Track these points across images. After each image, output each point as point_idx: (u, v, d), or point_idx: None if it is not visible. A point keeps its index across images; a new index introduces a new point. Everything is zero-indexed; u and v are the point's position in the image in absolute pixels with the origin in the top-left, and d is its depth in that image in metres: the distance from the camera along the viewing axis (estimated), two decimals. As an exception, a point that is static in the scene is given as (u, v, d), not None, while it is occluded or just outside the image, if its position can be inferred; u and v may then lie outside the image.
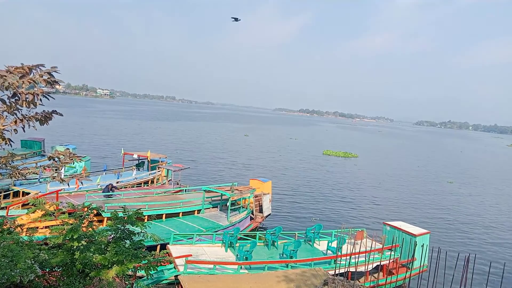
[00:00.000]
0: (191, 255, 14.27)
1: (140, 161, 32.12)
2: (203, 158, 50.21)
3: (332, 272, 14.48)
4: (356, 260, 14.49)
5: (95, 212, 16.65)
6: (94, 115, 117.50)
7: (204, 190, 22.56)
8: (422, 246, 16.89)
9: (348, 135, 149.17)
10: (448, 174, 58.97)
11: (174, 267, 14.15)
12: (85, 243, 9.28)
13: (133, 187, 26.83)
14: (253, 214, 23.40)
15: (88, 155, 32.41)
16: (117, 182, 26.21)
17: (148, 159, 30.35)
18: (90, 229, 10.21)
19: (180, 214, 20.99)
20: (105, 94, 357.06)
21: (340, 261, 14.54)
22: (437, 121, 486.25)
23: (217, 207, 22.98)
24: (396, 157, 79.72)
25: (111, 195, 21.76)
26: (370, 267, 15.62)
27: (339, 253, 15.62)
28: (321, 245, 18.28)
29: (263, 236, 17.96)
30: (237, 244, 16.74)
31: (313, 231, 18.72)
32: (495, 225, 30.70)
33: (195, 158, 49.13)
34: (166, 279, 13.85)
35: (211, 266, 13.92)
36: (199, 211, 21.89)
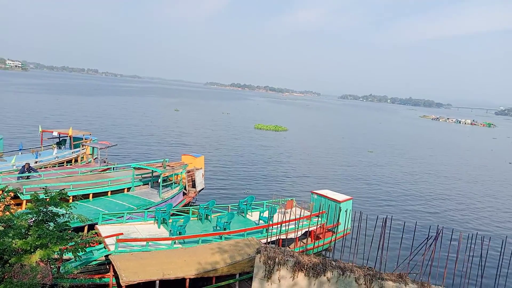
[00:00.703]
0: (122, 234, 13.90)
1: (61, 139, 29.94)
2: (131, 135, 48.27)
3: (264, 241, 15.07)
4: (287, 228, 15.20)
5: (12, 194, 15.39)
6: (5, 89, 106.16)
7: (134, 168, 21.84)
8: (346, 211, 18.19)
9: (279, 109, 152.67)
10: (369, 144, 63.38)
11: (104, 247, 13.69)
12: (2, 228, 8.60)
13: (54, 166, 25.07)
14: (186, 190, 23.27)
15: (0, 134, 29.46)
16: (36, 162, 24.28)
17: (70, 136, 28.39)
18: (7, 213, 9.46)
19: (109, 193, 20.17)
20: (16, 66, 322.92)
21: (272, 229, 15.16)
22: (359, 95, 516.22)
23: (148, 184, 22.45)
24: (322, 129, 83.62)
25: (29, 176, 20.16)
26: (299, 233, 16.51)
27: (270, 222, 16.24)
28: (254, 216, 18.83)
29: (197, 210, 18.02)
30: (170, 220, 16.61)
31: (245, 203, 19.17)
32: (410, 189, 33.92)
33: (123, 135, 47.05)
34: (95, 260, 13.39)
35: (144, 243, 13.71)
36: (129, 189, 21.20)
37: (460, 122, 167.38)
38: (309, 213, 17.99)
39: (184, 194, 22.94)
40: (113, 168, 24.89)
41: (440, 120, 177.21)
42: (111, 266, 11.97)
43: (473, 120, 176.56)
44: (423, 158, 53.42)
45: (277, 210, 18.61)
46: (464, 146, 75.38)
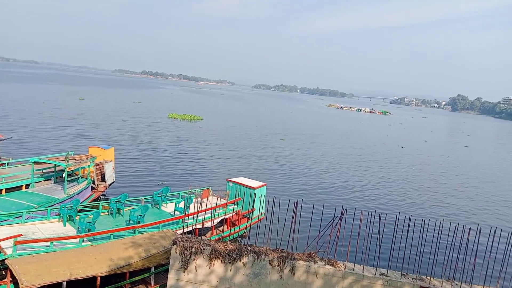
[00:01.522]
0: (21, 235, 12.64)
1: None
2: (29, 127, 43.69)
3: (180, 232, 14.92)
4: (203, 217, 15.23)
5: None
6: None
7: (33, 162, 19.88)
8: (260, 197, 18.82)
9: (193, 98, 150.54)
10: (281, 132, 65.94)
11: (-1, 251, 12.33)
12: None
13: None
14: (94, 184, 21.90)
15: None
16: None
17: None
18: None
19: (3, 191, 18.13)
20: None
21: (188, 220, 15.06)
22: (272, 85, 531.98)
23: (50, 179, 20.64)
24: (237, 118, 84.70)
25: None
26: (216, 221, 16.66)
27: (186, 212, 16.11)
28: (169, 207, 18.50)
29: (107, 205, 17.11)
30: (78, 217, 15.54)
31: (160, 195, 18.73)
32: (319, 174, 36.18)
33: (19, 127, 42.37)
34: (-11, 267, 12.01)
35: (47, 243, 12.64)
36: (28, 185, 19.28)
37: (360, 111, 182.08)
38: (225, 201, 18.24)
39: (92, 188, 21.59)
40: (8, 163, 22.36)
41: (344, 108, 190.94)
42: (8, 272, 10.85)
43: (372, 109, 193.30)
44: (331, 145, 57.27)
45: (193, 200, 18.52)
46: (365, 132, 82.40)
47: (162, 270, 12.53)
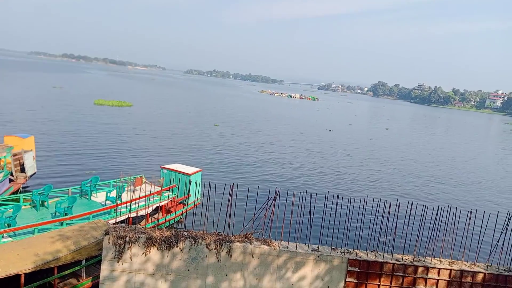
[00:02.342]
0: None
1: None
2: None
3: (113, 221, 14.39)
4: (137, 205, 14.81)
5: None
6: None
7: None
8: (196, 183, 18.73)
9: (122, 83, 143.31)
10: (215, 118, 65.66)
11: None
12: None
13: None
14: (12, 176, 20.15)
15: None
16: None
17: None
18: None
19: None
20: None
21: (121, 209, 14.56)
22: (204, 70, 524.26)
23: (-41, 173, 18.59)
24: (169, 104, 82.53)
25: None
26: (150, 209, 16.30)
27: (119, 201, 15.54)
28: (99, 197, 17.68)
29: (29, 197, 15.88)
30: (-5, 212, 14.24)
31: (89, 184, 17.80)
32: (253, 158, 36.77)
33: None
34: None
35: (-40, 243, 11.47)
36: None
37: (291, 96, 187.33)
38: (159, 188, 17.88)
39: (11, 180, 19.86)
40: None
41: (275, 94, 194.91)
42: None
43: (301, 94, 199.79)
44: (264, 129, 58.35)
45: (126, 189, 17.88)
46: (295, 117, 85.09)
47: (94, 262, 12.03)
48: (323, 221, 11.12)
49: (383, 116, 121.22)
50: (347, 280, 10.42)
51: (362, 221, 10.86)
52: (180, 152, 35.88)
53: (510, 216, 10.43)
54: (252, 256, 10.30)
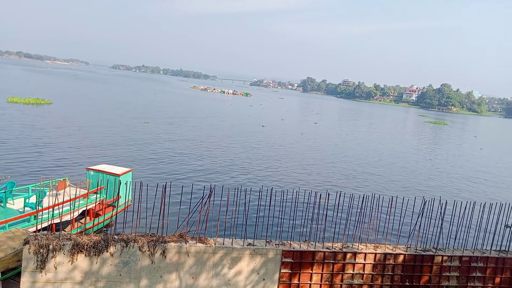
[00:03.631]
0: None
1: None
2: None
3: (33, 229, 13.27)
4: (60, 210, 13.79)
5: None
6: None
7: None
8: (126, 183, 17.95)
9: (39, 79, 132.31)
10: (145, 115, 63.45)
11: None
12: None
13: None
14: None
15: None
16: None
17: None
18: None
19: None
20: None
21: (42, 215, 13.46)
22: (132, 65, 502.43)
23: None
24: (94, 101, 78.03)
25: None
26: (76, 214, 15.32)
27: (39, 207, 14.37)
28: (17, 203, 16.20)
29: None
30: None
31: (4, 190, 16.22)
32: (187, 156, 36.15)
33: None
34: None
35: None
36: None
37: (224, 92, 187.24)
38: (86, 191, 16.85)
39: None
40: None
41: (208, 90, 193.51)
42: None
43: (234, 90, 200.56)
44: (198, 126, 57.64)
45: (47, 193, 16.59)
46: (229, 113, 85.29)
47: (12, 275, 11.02)
48: (257, 215, 11.28)
49: (313, 111, 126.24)
50: (281, 271, 10.71)
51: (295, 212, 11.22)
52: (108, 152, 34.14)
53: (425, 201, 11.45)
54: (188, 255, 10.14)
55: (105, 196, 17.55)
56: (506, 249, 11.78)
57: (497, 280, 11.51)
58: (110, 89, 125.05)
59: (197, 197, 11.88)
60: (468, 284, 11.42)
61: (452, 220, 11.45)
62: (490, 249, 11.77)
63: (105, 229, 17.51)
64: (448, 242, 11.65)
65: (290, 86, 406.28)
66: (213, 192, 10.81)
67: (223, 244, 10.52)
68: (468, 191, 34.03)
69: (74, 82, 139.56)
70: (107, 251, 9.62)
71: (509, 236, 11.66)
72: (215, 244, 10.42)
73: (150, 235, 10.38)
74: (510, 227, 11.55)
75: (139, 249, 9.84)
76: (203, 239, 10.60)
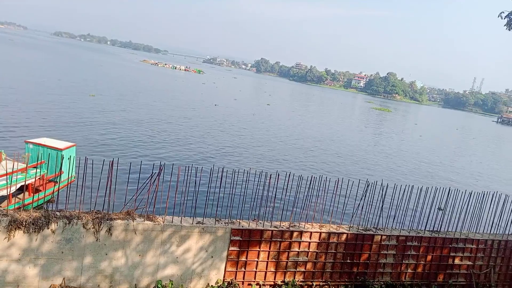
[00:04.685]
0: None
1: None
2: None
3: (-37, 205, 12.31)
4: (-5, 185, 12.90)
5: None
6: None
7: None
8: (69, 158, 17.06)
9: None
10: (90, 87, 60.27)
11: None
12: None
13: None
14: None
15: None
16: None
17: None
18: None
19: None
20: None
21: (-26, 190, 12.52)
22: (76, 33, 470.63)
23: None
24: (34, 70, 72.67)
25: None
26: (13, 189, 14.40)
27: (-29, 181, 13.33)
28: None
29: None
30: None
31: None
32: (135, 131, 34.97)
33: None
34: None
35: None
36: None
37: (176, 68, 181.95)
38: (24, 165, 15.83)
39: None
40: None
41: (159, 65, 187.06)
42: None
43: (187, 67, 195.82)
44: (147, 102, 55.81)
45: (-21, 167, 15.38)
46: (181, 90, 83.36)
47: None
48: (208, 194, 11.27)
49: (265, 92, 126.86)
50: (230, 249, 10.87)
51: (245, 192, 11.34)
52: (49, 124, 32.18)
53: (368, 183, 12.06)
54: (135, 232, 9.96)
55: (46, 171, 16.62)
56: (438, 230, 12.80)
57: (429, 257, 12.52)
58: (52, 57, 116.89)
59: (146, 175, 11.61)
60: (403, 261, 12.32)
61: (391, 202, 12.19)
62: (424, 230, 12.72)
63: (46, 205, 16.65)
64: (387, 222, 12.42)
65: (243, 66, 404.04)
66: (163, 170, 10.61)
67: (172, 222, 10.44)
68: (407, 175, 36.33)
69: (9, 48, 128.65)
70: (48, 228, 9.18)
71: (441, 217, 12.66)
72: (163, 222, 10.30)
73: (95, 212, 10.04)
74: (442, 210, 12.51)
75: (83, 226, 9.49)
76: (151, 216, 10.43)
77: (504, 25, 16.79)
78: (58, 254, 9.36)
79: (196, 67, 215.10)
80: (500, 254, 13.11)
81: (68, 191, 10.64)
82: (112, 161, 10.53)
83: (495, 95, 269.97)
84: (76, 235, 9.45)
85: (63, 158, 16.68)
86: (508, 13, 16.80)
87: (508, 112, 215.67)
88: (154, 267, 10.25)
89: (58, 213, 9.60)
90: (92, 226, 9.56)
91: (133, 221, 9.99)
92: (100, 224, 9.64)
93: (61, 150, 16.98)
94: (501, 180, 43.04)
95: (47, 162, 16.57)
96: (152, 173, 10.96)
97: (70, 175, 16.33)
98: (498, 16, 16.50)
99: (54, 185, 16.53)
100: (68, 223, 9.38)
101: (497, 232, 13.37)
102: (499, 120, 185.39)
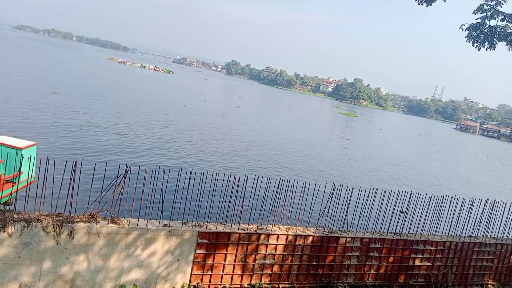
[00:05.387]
0: None
1: None
2: None
3: None
4: None
5: None
6: None
7: None
8: (29, 158, 16.36)
9: None
10: (54, 84, 58.10)
11: None
12: None
13: None
14: None
15: None
16: None
17: None
18: None
19: None
20: None
21: None
22: (40, 28, 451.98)
23: None
24: (-7, 64, 69.22)
25: None
26: (-34, 190, 13.62)
27: None
28: None
29: None
30: None
31: None
32: (101, 131, 33.99)
33: None
34: None
35: None
36: None
37: (144, 67, 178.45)
38: (-21, 165, 15.05)
39: None
40: None
41: (127, 64, 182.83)
42: None
43: (156, 66, 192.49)
44: (114, 101, 54.41)
45: None
46: (149, 90, 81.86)
47: None
48: (175, 196, 11.12)
49: (235, 94, 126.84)
50: (197, 252, 10.77)
51: (213, 194, 11.28)
52: (7, 122, 30.72)
53: (334, 186, 12.31)
54: (98, 236, 9.67)
55: (3, 171, 15.84)
56: (400, 232, 13.24)
57: (391, 259, 12.92)
58: (13, 51, 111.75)
59: (111, 177, 11.32)
60: (366, 263, 12.65)
61: (356, 205, 12.49)
62: (387, 232, 13.13)
63: (3, 207, 15.85)
64: (352, 224, 12.71)
65: (214, 67, 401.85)
66: (129, 171, 10.39)
67: (138, 225, 10.23)
68: (372, 179, 37.35)
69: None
70: (4, 231, 8.77)
71: (403, 220, 13.11)
72: (128, 225, 10.08)
73: (56, 214, 9.68)
74: (404, 212, 12.96)
75: (43, 230, 9.13)
76: (116, 219, 10.18)
77: (465, 37, 17.70)
78: (14, 259, 8.95)
79: (165, 67, 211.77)
80: (457, 255, 13.73)
81: (28, 193, 10.21)
82: (76, 161, 10.21)
83: (455, 103, 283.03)
84: (35, 239, 9.08)
85: (22, 157, 15.97)
86: (468, 26, 17.70)
87: (466, 119, 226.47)
88: (117, 272, 9.99)
89: (15, 216, 9.19)
90: (53, 229, 9.22)
91: (97, 224, 9.72)
92: (61, 227, 9.31)
93: (20, 149, 16.25)
94: (460, 182, 45.09)
95: (5, 162, 15.80)
96: (118, 174, 10.70)
97: (30, 176, 15.70)
98: (459, 28, 17.36)
99: (13, 186, 15.78)
100: (27, 226, 8.99)
101: (455, 234, 13.99)
102: (457, 127, 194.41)
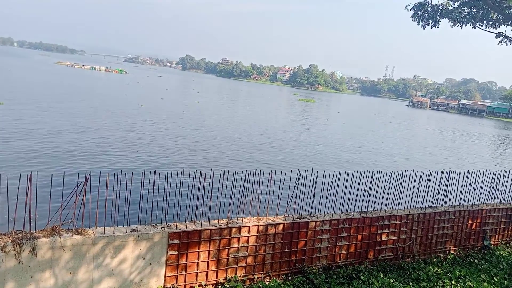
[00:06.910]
0: None
1: None
2: None
3: None
4: None
5: None
6: None
7: None
8: (-21, 176, 15.38)
9: None
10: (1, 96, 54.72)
11: None
12: None
13: None
14: None
15: None
16: None
17: None
18: None
19: None
20: None
21: None
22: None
23: None
24: None
25: None
26: None
27: None
28: None
29: None
30: None
31: None
32: (55, 139, 32.43)
33: None
34: None
35: None
36: None
37: (95, 69, 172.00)
38: None
39: None
40: None
41: (76, 66, 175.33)
42: None
43: (107, 67, 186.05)
44: (65, 107, 52.04)
45: None
46: (103, 92, 78.99)
47: None
48: (141, 200, 10.85)
49: (193, 89, 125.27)
50: (169, 253, 10.61)
51: (180, 193, 11.11)
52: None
53: (299, 173, 12.49)
54: (63, 249, 9.27)
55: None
56: (365, 210, 13.69)
57: (359, 237, 13.35)
58: None
59: (71, 187, 10.85)
60: (337, 244, 13.00)
61: (322, 188, 12.77)
62: (353, 211, 13.53)
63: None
64: (320, 208, 12.99)
65: (168, 64, 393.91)
66: (89, 179, 10.00)
67: (104, 233, 9.90)
68: (335, 161, 38.30)
69: None
70: (-42, 258, 8.20)
71: (368, 198, 13.56)
72: (94, 234, 9.73)
73: (15, 232, 9.17)
74: (367, 191, 13.40)
75: (1, 250, 8.64)
76: (80, 230, 9.80)
77: (410, 17, 18.41)
78: (-28, 284, 8.42)
79: (117, 67, 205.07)
80: (420, 226, 14.42)
81: (-20, 213, 9.61)
82: (31, 174, 9.68)
83: (405, 81, 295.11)
84: (-7, 261, 8.56)
85: (-30, 176, 14.97)
86: (413, 6, 18.39)
87: (417, 96, 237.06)
88: (87, 283, 9.66)
89: (-31, 238, 8.62)
90: (13, 248, 8.73)
91: (60, 237, 9.31)
92: (22, 245, 8.84)
93: (-33, 167, 15.20)
94: (417, 157, 47.24)
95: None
96: (78, 183, 10.28)
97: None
98: (405, 9, 18.01)
99: (-38, 207, 14.77)
100: (-17, 248, 8.46)
101: (416, 206, 14.67)
102: (410, 104, 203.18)
